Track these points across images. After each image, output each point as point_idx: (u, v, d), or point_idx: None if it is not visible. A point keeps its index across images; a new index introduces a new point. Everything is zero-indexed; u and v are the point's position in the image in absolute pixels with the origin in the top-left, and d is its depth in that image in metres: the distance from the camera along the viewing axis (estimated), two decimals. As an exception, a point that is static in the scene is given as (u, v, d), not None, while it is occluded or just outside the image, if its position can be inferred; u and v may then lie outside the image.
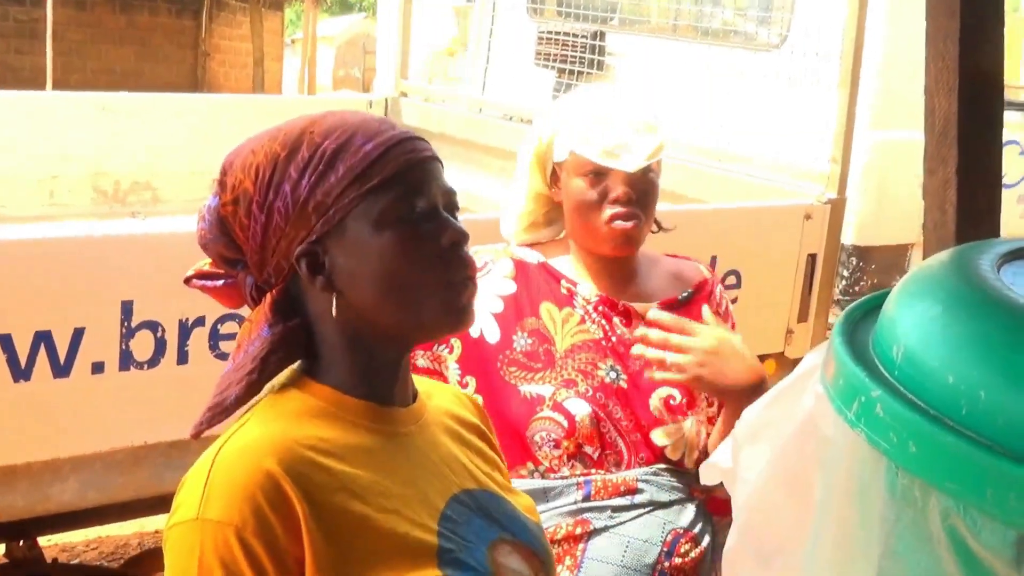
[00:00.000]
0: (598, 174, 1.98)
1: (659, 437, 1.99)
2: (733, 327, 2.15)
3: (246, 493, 1.15)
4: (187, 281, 1.35)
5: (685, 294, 2.11)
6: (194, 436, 1.27)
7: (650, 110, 2.06)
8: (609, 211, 1.97)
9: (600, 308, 2.02)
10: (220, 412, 1.26)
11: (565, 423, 1.92)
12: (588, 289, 2.04)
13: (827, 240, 3.90)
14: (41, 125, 5.12)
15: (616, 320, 2.03)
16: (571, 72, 5.47)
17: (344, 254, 1.25)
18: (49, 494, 2.64)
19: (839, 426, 1.10)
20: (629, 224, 1.97)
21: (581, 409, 1.93)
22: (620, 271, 2.07)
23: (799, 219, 3.86)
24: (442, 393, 1.50)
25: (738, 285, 3.75)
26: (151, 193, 5.39)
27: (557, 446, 1.92)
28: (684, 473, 2.00)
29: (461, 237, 1.27)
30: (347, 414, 1.28)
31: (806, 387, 1.22)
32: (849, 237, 4.28)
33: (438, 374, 1.99)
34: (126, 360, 2.59)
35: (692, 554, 1.96)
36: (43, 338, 2.47)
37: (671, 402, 2.01)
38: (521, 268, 2.06)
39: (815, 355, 1.25)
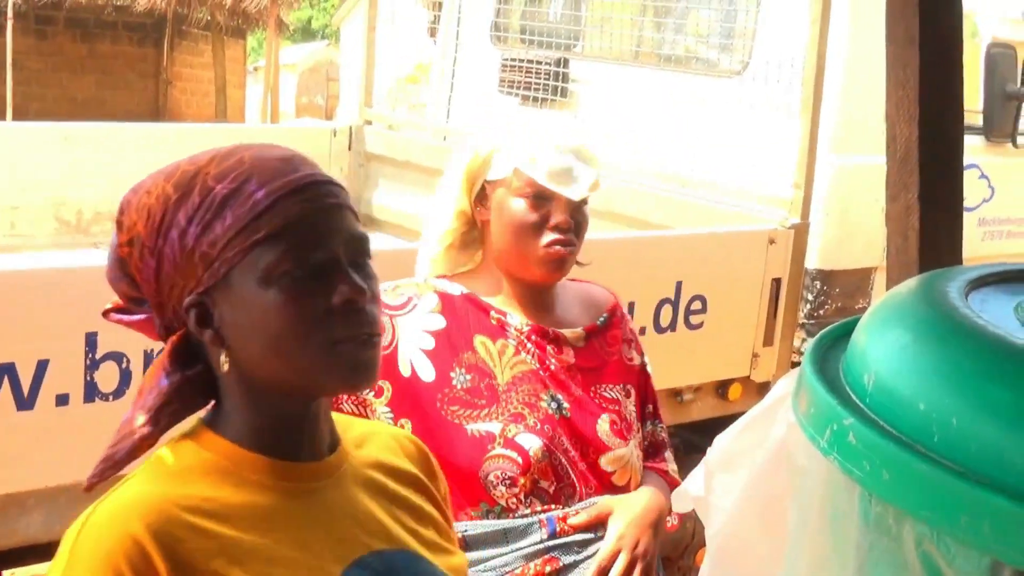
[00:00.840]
0: (541, 197, 1.94)
1: (607, 464, 1.97)
2: (640, 348, 2.16)
3: (109, 561, 1.09)
4: (105, 315, 1.28)
5: (602, 319, 2.10)
6: (86, 490, 1.18)
7: (591, 142, 2.05)
8: (549, 236, 1.94)
9: (533, 338, 1.99)
10: (110, 467, 1.18)
11: (520, 459, 1.88)
12: (517, 319, 2.00)
13: (791, 264, 3.94)
14: (2, 155, 5.08)
15: (549, 349, 1.99)
16: (535, 99, 5.49)
17: (231, 308, 1.17)
18: (15, 528, 2.61)
19: (811, 454, 1.10)
20: (565, 251, 1.95)
21: (533, 443, 1.89)
22: (542, 299, 2.04)
23: (763, 244, 3.89)
24: (379, 440, 1.38)
25: (703, 310, 3.77)
26: (114, 224, 5.34)
27: (513, 484, 1.88)
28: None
29: (356, 293, 1.17)
30: (242, 470, 1.19)
31: (777, 415, 1.23)
32: (813, 261, 4.31)
33: (364, 418, 1.90)
34: (91, 392, 2.56)
35: (651, 574, 1.99)
36: (6, 371, 2.44)
37: (615, 427, 1.99)
38: (447, 301, 2.00)
39: (786, 383, 1.26)
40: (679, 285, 3.70)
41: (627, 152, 4.74)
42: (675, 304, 3.71)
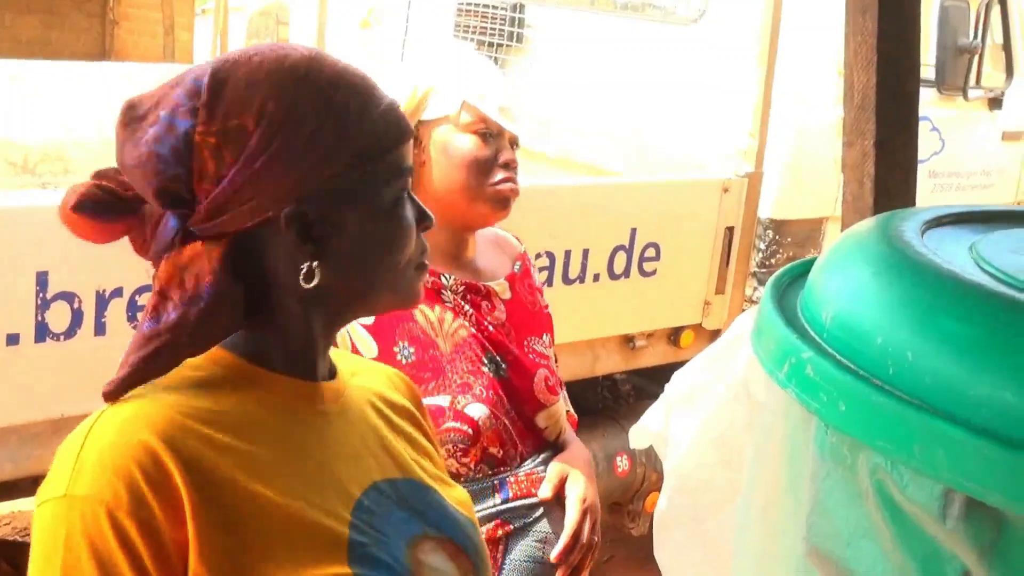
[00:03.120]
0: (490, 134, 1.90)
1: (541, 421, 1.96)
2: (541, 292, 2.13)
3: (121, 468, 1.00)
4: (72, 208, 1.10)
5: (517, 267, 2.07)
6: (106, 398, 1.09)
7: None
8: (500, 173, 1.90)
9: (468, 296, 1.94)
10: (138, 378, 1.08)
11: (470, 430, 1.86)
12: (448, 278, 1.94)
13: (744, 213, 3.96)
14: (-53, 95, 4.99)
15: (484, 306, 1.96)
16: (490, 44, 5.45)
17: (341, 220, 1.11)
18: (-36, 468, 2.59)
19: (770, 388, 1.12)
20: (514, 187, 1.93)
21: (481, 412, 1.86)
22: (466, 249, 1.99)
23: (717, 192, 3.91)
24: (370, 372, 1.35)
25: (657, 257, 3.79)
26: (62, 164, 5.26)
27: (465, 454, 1.86)
28: (558, 448, 2.02)
29: (430, 221, 1.19)
30: (257, 387, 1.13)
31: (736, 351, 1.25)
32: (766, 210, 4.34)
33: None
34: (42, 332, 2.53)
35: (590, 533, 1.97)
36: (-44, 310, 2.41)
37: (548, 382, 1.98)
38: None
39: (745, 320, 1.28)
40: (633, 232, 3.72)
41: (583, 99, 4.73)
42: (629, 251, 3.72)
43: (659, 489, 1.44)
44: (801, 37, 4.38)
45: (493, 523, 1.87)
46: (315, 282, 1.10)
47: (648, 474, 4.04)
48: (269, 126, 1.06)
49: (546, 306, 2.10)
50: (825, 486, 1.04)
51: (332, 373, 1.22)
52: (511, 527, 1.88)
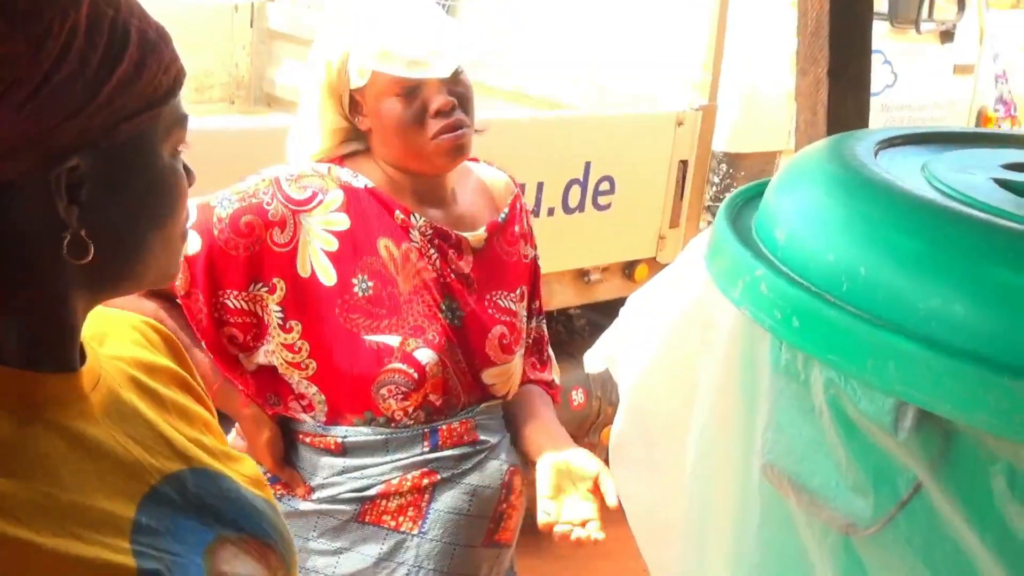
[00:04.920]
0: (411, 89, 1.78)
1: (489, 377, 1.92)
2: (533, 242, 2.06)
3: None
4: None
5: (503, 215, 1.99)
6: None
7: (438, 6, 1.87)
8: (435, 125, 1.79)
9: (436, 241, 1.87)
10: None
11: (415, 375, 1.80)
12: (421, 219, 1.86)
13: (698, 146, 3.96)
14: None
15: (451, 254, 1.89)
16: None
17: (116, 178, 0.91)
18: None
19: (724, 307, 1.13)
20: (459, 134, 1.80)
21: (430, 358, 1.81)
22: (440, 191, 1.91)
23: (671, 126, 3.90)
24: (116, 329, 1.10)
25: (612, 191, 3.79)
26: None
27: (406, 398, 1.80)
28: (506, 404, 1.98)
29: (192, 177, 1.00)
30: None
31: (691, 274, 1.25)
32: (720, 144, 4.35)
33: (253, 315, 1.79)
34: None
35: (522, 488, 1.95)
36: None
37: (503, 341, 1.93)
38: (351, 197, 1.84)
39: (699, 243, 1.28)
40: (588, 166, 3.71)
41: (537, 32, 4.70)
42: (584, 185, 3.72)
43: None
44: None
45: (420, 471, 1.83)
46: (89, 257, 0.89)
47: (603, 407, 4.06)
48: (47, 56, 0.84)
49: (527, 256, 2.04)
50: (779, 403, 1.05)
51: (82, 352, 0.98)
52: (438, 476, 1.84)
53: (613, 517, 1.74)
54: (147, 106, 0.91)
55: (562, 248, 3.71)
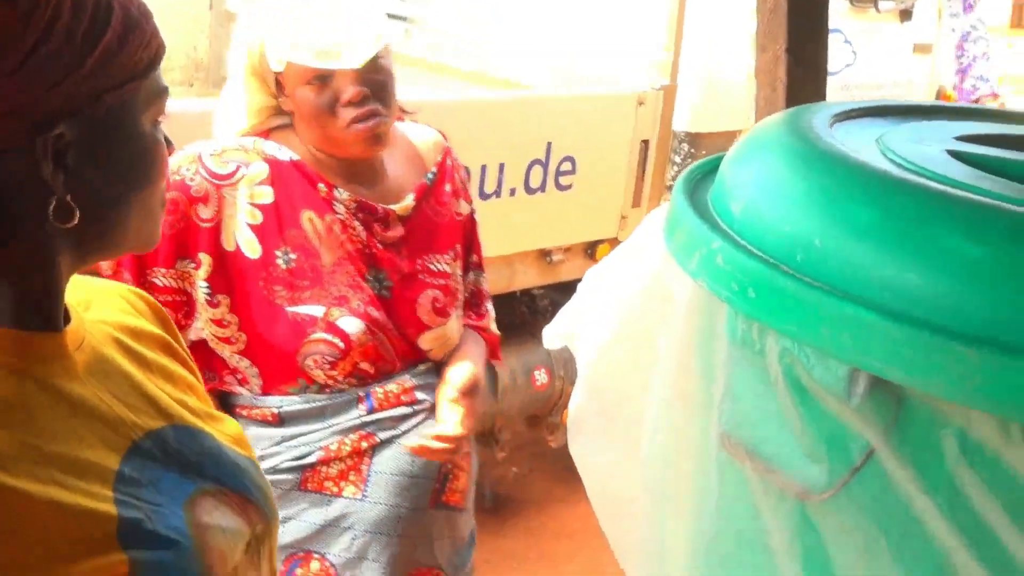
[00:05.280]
0: (322, 78, 1.78)
1: (425, 342, 1.93)
2: (468, 196, 2.07)
3: None
4: None
5: (431, 175, 1.99)
6: None
7: None
8: (345, 115, 1.79)
9: (360, 215, 1.88)
10: None
11: (341, 344, 1.81)
12: (345, 193, 1.87)
13: (660, 126, 3.97)
14: None
15: (376, 226, 1.89)
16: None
17: (99, 146, 0.95)
18: None
19: (681, 280, 1.13)
20: (371, 124, 1.80)
21: (355, 327, 1.82)
22: (365, 168, 1.91)
23: (632, 106, 3.91)
24: (103, 296, 1.14)
25: (573, 171, 3.80)
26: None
27: (334, 367, 1.82)
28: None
29: (172, 146, 1.04)
30: None
31: (648, 247, 1.25)
32: (681, 123, 4.36)
33: (182, 292, 1.81)
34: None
35: (467, 448, 1.97)
36: None
37: (436, 304, 1.94)
38: (276, 170, 1.84)
39: (656, 217, 1.29)
40: (549, 146, 3.71)
41: (498, 14, 4.68)
42: (545, 165, 3.72)
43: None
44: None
45: (357, 435, 1.85)
46: (74, 221, 0.93)
47: (566, 387, 4.07)
48: (35, 28, 0.88)
49: (461, 213, 2.04)
50: (736, 373, 1.06)
51: (66, 316, 1.02)
52: (377, 439, 1.86)
53: (575, 497, 1.75)
54: (129, 78, 0.95)
55: (524, 228, 3.72)
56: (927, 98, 5.97)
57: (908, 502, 0.92)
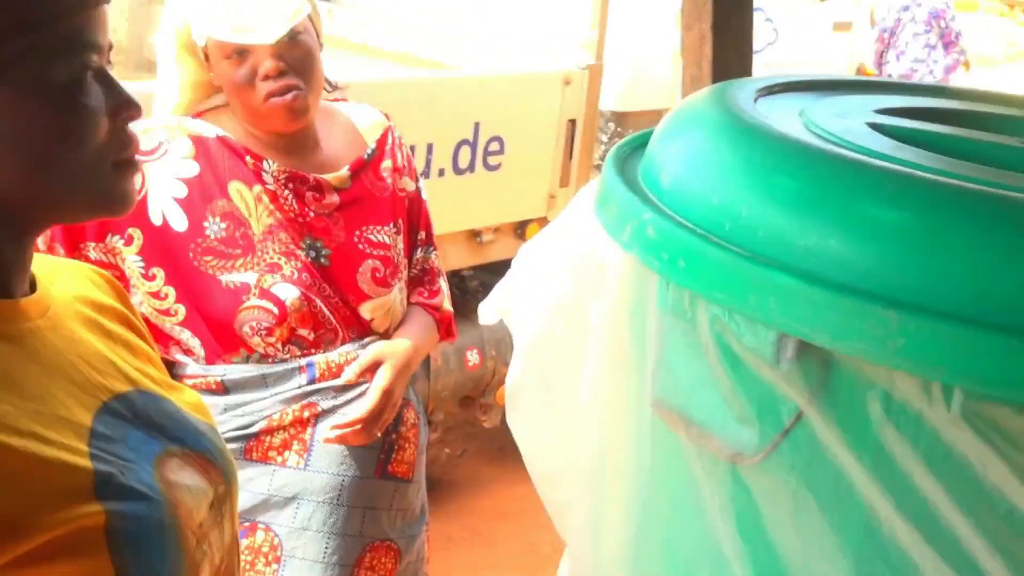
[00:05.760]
0: (241, 52, 1.80)
1: (366, 312, 1.95)
2: (414, 174, 2.09)
3: None
4: None
5: (369, 151, 2.01)
6: None
7: None
8: (262, 89, 1.81)
9: (290, 185, 1.89)
10: None
11: (275, 310, 1.83)
12: (274, 165, 1.89)
13: (586, 106, 3.99)
14: None
15: (309, 195, 1.91)
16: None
17: (6, 98, 0.92)
18: None
19: (613, 252, 1.16)
20: (288, 97, 1.82)
21: (290, 293, 1.84)
22: (302, 138, 1.93)
23: (559, 85, 3.92)
24: (68, 272, 1.16)
25: (501, 151, 3.81)
26: None
27: (270, 333, 1.84)
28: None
29: (137, 110, 1.00)
30: None
31: (579, 221, 1.27)
32: (608, 103, 4.39)
33: (113, 267, 1.81)
34: None
35: (415, 421, 2.00)
36: None
37: (376, 275, 1.95)
38: (200, 145, 1.87)
39: (587, 192, 1.31)
40: (477, 126, 3.72)
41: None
42: (473, 145, 3.73)
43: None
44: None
45: (300, 404, 1.87)
46: None
47: (498, 367, 4.09)
48: None
49: (404, 189, 2.06)
50: (668, 341, 1.08)
51: (32, 285, 1.03)
52: (319, 408, 1.88)
53: (514, 478, 1.78)
54: (22, 26, 0.91)
55: (454, 209, 3.72)
56: (847, 74, 6.07)
57: (836, 462, 0.96)
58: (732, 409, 1.02)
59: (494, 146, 3.79)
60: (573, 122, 3.99)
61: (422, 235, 2.11)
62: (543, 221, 4.06)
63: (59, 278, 1.11)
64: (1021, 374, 0.88)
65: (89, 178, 0.97)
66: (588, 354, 1.22)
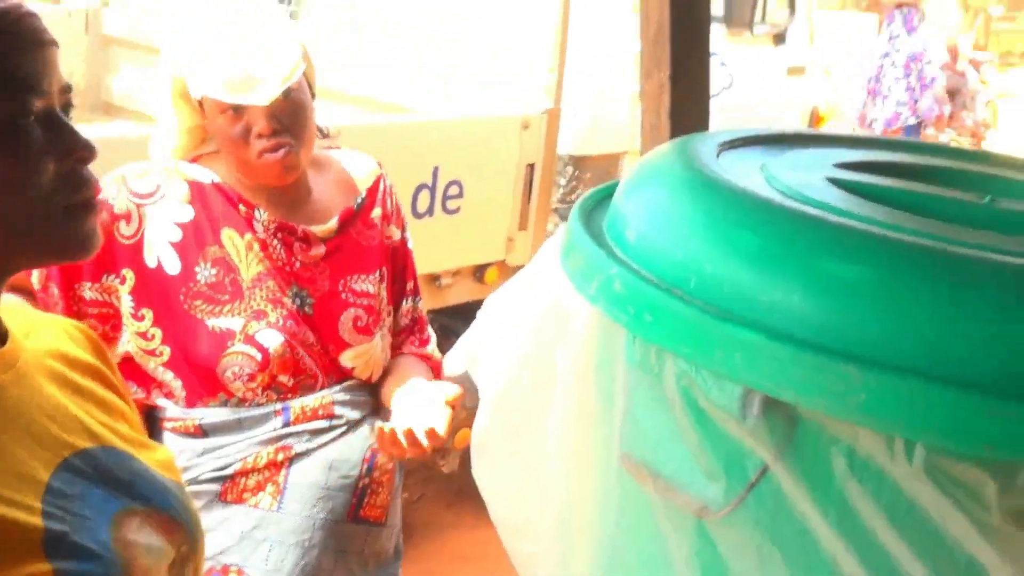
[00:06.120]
0: (236, 109, 1.84)
1: (347, 360, 1.97)
2: (401, 223, 2.13)
3: None
4: None
5: (359, 200, 2.04)
6: None
7: (279, 26, 1.92)
8: (256, 145, 1.84)
9: (279, 235, 1.93)
10: None
11: (259, 356, 1.87)
12: (266, 214, 1.93)
13: (545, 149, 4.02)
14: None
15: (296, 246, 1.94)
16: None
17: None
18: None
19: (580, 304, 1.17)
20: (280, 155, 1.85)
21: (274, 340, 1.88)
22: (290, 192, 1.96)
23: (517, 129, 3.95)
24: (45, 328, 1.16)
25: (460, 195, 3.82)
26: None
27: (252, 379, 1.87)
28: (374, 387, 2.03)
29: (89, 152, 0.99)
30: None
31: (546, 273, 1.29)
32: (566, 146, 4.42)
33: (109, 305, 1.86)
34: None
35: (389, 465, 2.01)
36: None
37: (359, 323, 1.98)
38: (196, 190, 1.91)
39: (553, 244, 1.32)
40: (436, 170, 3.73)
41: (381, 35, 4.70)
42: (432, 189, 3.74)
43: (469, 426, 1.47)
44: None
45: (274, 447, 1.89)
46: None
47: (457, 412, 4.08)
48: None
49: (391, 237, 2.09)
50: (635, 395, 1.10)
51: (3, 337, 1.03)
52: (292, 451, 1.90)
53: (474, 522, 1.79)
54: None
55: (413, 253, 3.72)
56: (802, 118, 6.16)
57: (801, 517, 0.97)
58: (699, 463, 1.03)
59: (453, 190, 3.80)
60: (531, 166, 4.01)
61: (410, 285, 2.14)
62: (502, 264, 4.08)
63: (36, 332, 1.11)
64: (978, 429, 0.90)
65: (38, 225, 0.96)
66: (555, 406, 1.23)
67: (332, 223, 1.98)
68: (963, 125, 10.44)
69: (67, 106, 1.01)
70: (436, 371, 2.12)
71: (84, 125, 1.04)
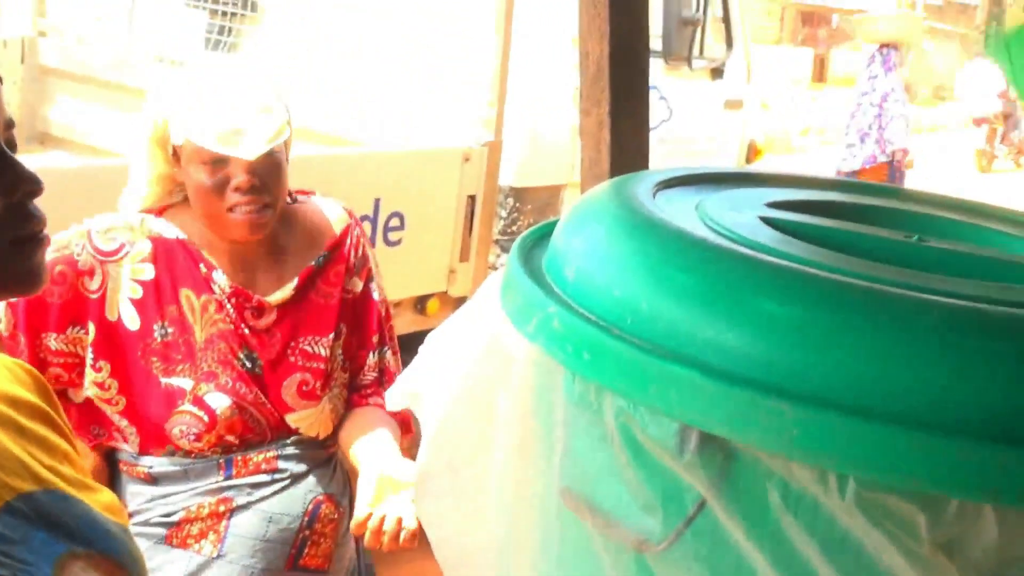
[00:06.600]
0: (217, 161, 1.86)
1: (293, 421, 2.00)
2: (365, 274, 2.12)
3: None
4: None
5: (320, 259, 2.05)
6: None
7: (270, 88, 1.95)
8: (232, 199, 1.88)
9: (233, 300, 1.96)
10: None
11: (206, 418, 1.90)
12: (223, 278, 1.96)
13: (486, 181, 4.06)
14: None
15: (248, 314, 1.97)
16: (224, 14, 5.34)
17: None
18: None
19: (519, 343, 1.19)
20: (253, 213, 1.89)
21: (221, 403, 1.91)
22: (252, 250, 1.99)
23: (458, 161, 3.99)
24: None
25: (402, 227, 3.85)
26: None
27: (198, 439, 1.91)
28: (321, 442, 2.05)
29: (36, 186, 0.99)
30: None
31: (487, 311, 1.30)
32: (506, 179, 4.46)
33: (74, 355, 1.90)
34: None
35: (333, 516, 2.03)
36: None
37: (304, 388, 2.00)
38: (160, 248, 1.94)
39: (493, 280, 1.34)
40: (377, 202, 3.76)
41: (321, 67, 4.71)
42: (374, 221, 3.76)
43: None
44: (536, 7, 4.51)
45: (216, 498, 1.93)
46: None
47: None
48: None
49: (351, 291, 2.08)
50: (574, 431, 1.11)
51: None
52: (233, 503, 1.94)
53: (408, 555, 1.80)
54: None
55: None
56: (739, 151, 6.24)
57: (738, 549, 0.99)
58: (636, 498, 1.05)
59: (394, 222, 3.82)
60: (472, 198, 4.05)
61: (375, 337, 2.11)
62: (443, 296, 4.10)
63: None
64: (905, 463, 0.92)
65: None
66: (495, 442, 1.24)
67: (288, 289, 2.00)
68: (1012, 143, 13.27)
69: (11, 141, 1.00)
70: (405, 423, 2.11)
71: (21, 156, 1.04)
